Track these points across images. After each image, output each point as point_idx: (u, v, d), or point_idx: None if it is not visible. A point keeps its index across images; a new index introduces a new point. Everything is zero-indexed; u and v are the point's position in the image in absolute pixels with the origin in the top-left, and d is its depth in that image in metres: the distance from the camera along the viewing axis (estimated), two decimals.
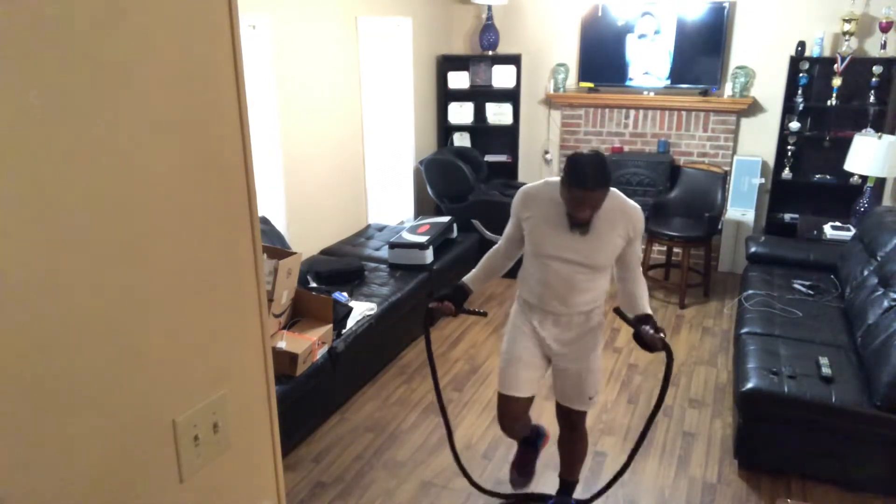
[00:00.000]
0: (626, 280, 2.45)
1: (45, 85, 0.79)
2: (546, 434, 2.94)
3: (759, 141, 5.45)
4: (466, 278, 2.57)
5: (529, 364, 2.50)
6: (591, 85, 5.73)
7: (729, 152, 5.50)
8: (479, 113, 6.08)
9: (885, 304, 3.21)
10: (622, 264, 2.43)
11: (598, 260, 2.34)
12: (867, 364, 3.02)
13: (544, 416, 3.28)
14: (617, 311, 2.41)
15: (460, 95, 6.05)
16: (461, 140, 6.15)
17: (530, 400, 2.57)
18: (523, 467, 2.87)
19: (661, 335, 2.29)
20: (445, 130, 6.18)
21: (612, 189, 2.29)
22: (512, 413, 2.56)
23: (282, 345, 3.10)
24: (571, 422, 2.62)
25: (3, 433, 0.80)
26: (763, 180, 5.39)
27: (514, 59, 5.85)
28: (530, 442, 2.88)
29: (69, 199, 0.83)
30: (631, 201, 2.35)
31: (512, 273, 2.64)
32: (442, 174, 5.48)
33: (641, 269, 2.51)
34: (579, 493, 2.88)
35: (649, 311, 2.38)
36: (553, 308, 2.43)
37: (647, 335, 2.29)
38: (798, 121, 5.15)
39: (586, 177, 2.13)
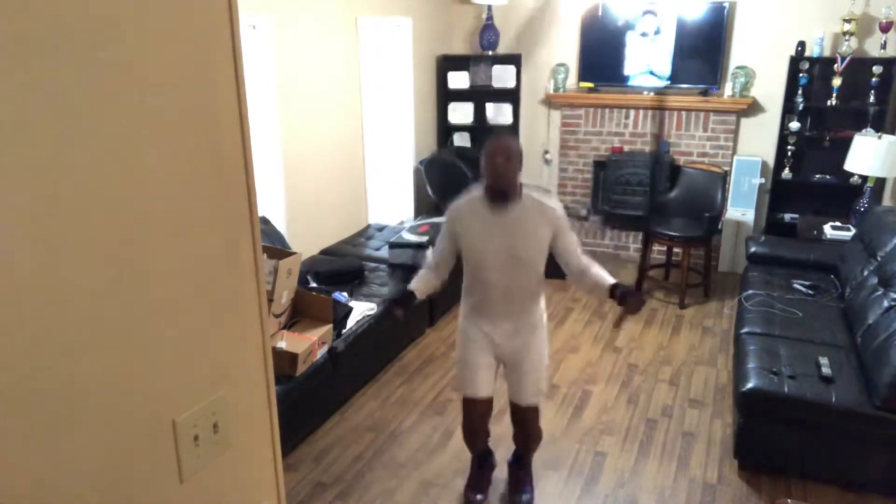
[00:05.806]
0: (581, 267, 2.57)
1: (45, 86, 0.79)
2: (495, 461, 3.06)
3: (759, 141, 5.45)
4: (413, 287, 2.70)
5: (483, 366, 2.67)
6: (590, 85, 5.73)
7: (729, 152, 5.49)
8: (479, 113, 6.07)
9: (885, 304, 3.21)
10: (567, 254, 2.56)
11: (529, 250, 2.50)
12: (867, 364, 3.02)
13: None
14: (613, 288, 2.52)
15: (460, 95, 6.04)
16: (461, 140, 6.15)
17: (490, 401, 2.74)
18: (479, 484, 2.94)
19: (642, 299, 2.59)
20: (445, 130, 6.17)
21: (530, 193, 2.52)
22: (475, 412, 2.73)
23: (282, 345, 3.10)
24: (529, 421, 2.74)
25: (4, 434, 0.80)
26: (763, 180, 5.39)
27: (514, 59, 5.85)
28: (485, 457, 2.99)
29: (69, 201, 0.83)
30: (548, 201, 2.56)
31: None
32: (442, 174, 5.48)
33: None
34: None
35: (615, 280, 2.55)
36: (499, 310, 2.59)
37: (633, 297, 2.49)
38: (798, 121, 5.15)
39: (494, 136, 2.53)
